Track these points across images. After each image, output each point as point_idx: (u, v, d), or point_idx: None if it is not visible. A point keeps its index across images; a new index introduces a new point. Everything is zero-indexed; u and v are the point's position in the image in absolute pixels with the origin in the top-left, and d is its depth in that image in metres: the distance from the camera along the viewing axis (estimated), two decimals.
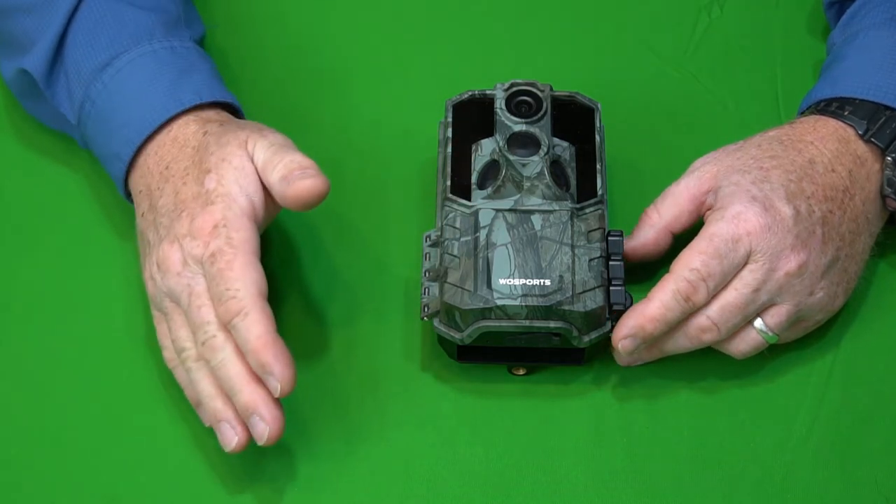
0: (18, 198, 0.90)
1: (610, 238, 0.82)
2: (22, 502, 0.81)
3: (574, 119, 0.86)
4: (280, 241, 0.88)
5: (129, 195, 0.86)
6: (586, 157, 0.84)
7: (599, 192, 0.83)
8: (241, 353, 0.77)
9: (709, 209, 0.82)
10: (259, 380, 0.77)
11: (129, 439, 0.82)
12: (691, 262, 0.79)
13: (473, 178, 0.83)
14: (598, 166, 0.84)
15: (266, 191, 0.81)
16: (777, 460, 0.81)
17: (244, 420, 0.77)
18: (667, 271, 0.81)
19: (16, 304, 0.86)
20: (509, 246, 0.80)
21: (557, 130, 0.85)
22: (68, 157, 0.91)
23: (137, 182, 0.84)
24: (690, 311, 0.80)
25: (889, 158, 0.83)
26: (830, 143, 0.83)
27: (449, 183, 0.83)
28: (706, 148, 0.91)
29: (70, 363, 0.84)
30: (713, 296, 0.80)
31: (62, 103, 0.87)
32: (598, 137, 0.85)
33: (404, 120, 0.93)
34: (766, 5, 0.98)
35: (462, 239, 0.81)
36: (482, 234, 0.81)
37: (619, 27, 0.97)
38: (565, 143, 0.84)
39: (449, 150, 0.85)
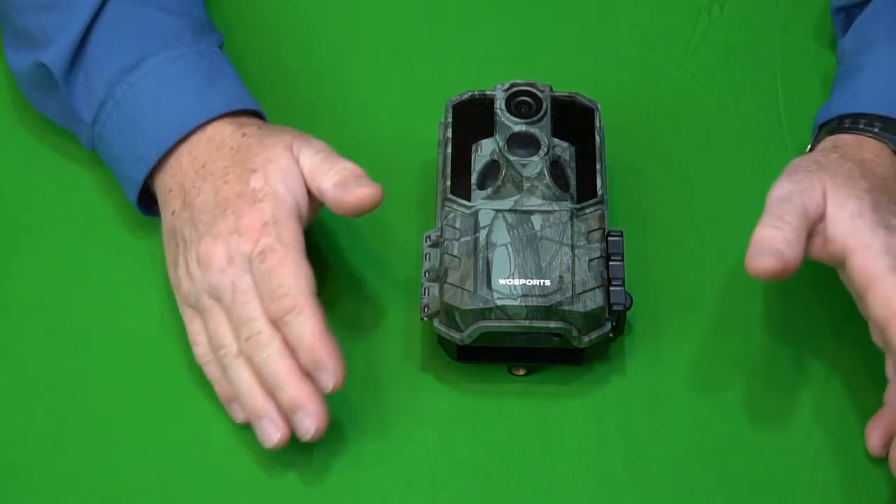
0: (21, 196, 0.90)
1: (610, 238, 0.82)
2: (22, 502, 0.81)
3: (574, 119, 0.86)
4: None
5: (139, 200, 0.86)
6: (586, 157, 0.85)
7: (599, 193, 0.83)
8: (288, 349, 0.78)
9: (814, 240, 0.79)
10: (305, 376, 0.77)
11: (130, 439, 0.82)
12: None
13: (473, 179, 0.83)
14: (598, 166, 0.84)
15: (309, 195, 0.81)
16: (777, 460, 0.81)
17: (288, 416, 0.78)
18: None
19: (17, 302, 0.86)
20: (509, 246, 0.80)
21: (557, 130, 0.85)
22: (74, 156, 0.91)
23: (167, 182, 0.84)
24: None
25: None
26: (885, 159, 0.82)
27: (449, 183, 0.83)
28: (706, 148, 0.91)
29: (71, 362, 0.84)
30: None
31: (78, 100, 0.86)
32: (598, 137, 0.85)
33: (404, 120, 0.93)
34: (766, 5, 0.98)
35: (462, 239, 0.81)
36: (482, 235, 0.81)
37: (619, 27, 0.97)
38: (565, 144, 0.84)
39: (449, 150, 0.85)
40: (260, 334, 0.78)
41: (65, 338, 0.85)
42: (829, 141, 0.84)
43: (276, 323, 0.78)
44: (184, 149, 0.83)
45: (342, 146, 0.91)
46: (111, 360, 0.84)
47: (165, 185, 0.84)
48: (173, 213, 0.83)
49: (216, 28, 0.91)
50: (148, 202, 0.86)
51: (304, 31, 0.97)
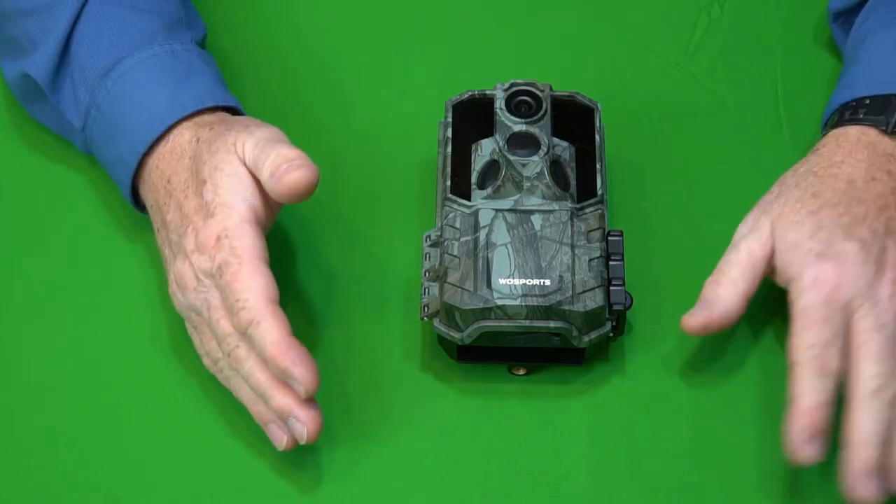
0: (20, 199, 0.90)
1: (610, 238, 0.82)
2: (22, 502, 0.81)
3: (574, 119, 0.86)
4: (280, 242, 0.88)
5: (134, 199, 0.86)
6: (586, 157, 0.84)
7: (599, 192, 0.83)
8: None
9: (773, 272, 0.82)
10: (287, 384, 0.77)
11: (128, 440, 0.82)
12: (804, 342, 0.78)
13: (473, 178, 0.83)
14: (598, 166, 0.84)
15: (264, 191, 0.80)
16: (777, 460, 0.81)
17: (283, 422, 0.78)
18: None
19: (17, 304, 0.86)
20: (509, 246, 0.80)
21: (557, 130, 0.85)
22: (70, 158, 0.91)
23: (147, 196, 0.84)
24: (837, 382, 0.77)
25: None
26: (859, 153, 0.82)
27: (449, 183, 0.83)
28: (706, 148, 0.91)
29: (70, 364, 0.84)
30: (851, 358, 0.78)
31: (67, 108, 0.87)
32: (598, 137, 0.85)
33: (404, 120, 0.93)
34: (766, 5, 0.98)
35: (462, 239, 0.81)
36: (482, 234, 0.81)
37: (619, 27, 0.97)
38: (565, 143, 0.84)
39: (449, 150, 0.85)
40: (238, 349, 0.78)
41: (62, 339, 0.85)
42: (819, 143, 0.85)
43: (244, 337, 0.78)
44: (153, 161, 0.83)
45: (342, 147, 0.92)
46: (108, 361, 0.84)
47: (146, 199, 0.84)
48: (157, 230, 0.84)
49: (198, 23, 0.91)
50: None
51: (304, 30, 0.97)
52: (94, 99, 0.85)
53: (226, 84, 0.87)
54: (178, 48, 0.86)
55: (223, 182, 0.79)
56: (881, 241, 0.80)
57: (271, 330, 0.76)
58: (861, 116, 0.84)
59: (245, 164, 0.80)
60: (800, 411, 0.77)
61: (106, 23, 0.86)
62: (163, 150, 0.83)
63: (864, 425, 0.76)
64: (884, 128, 0.83)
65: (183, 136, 0.83)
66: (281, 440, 0.79)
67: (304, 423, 0.77)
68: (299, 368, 0.76)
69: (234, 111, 0.86)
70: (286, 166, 0.78)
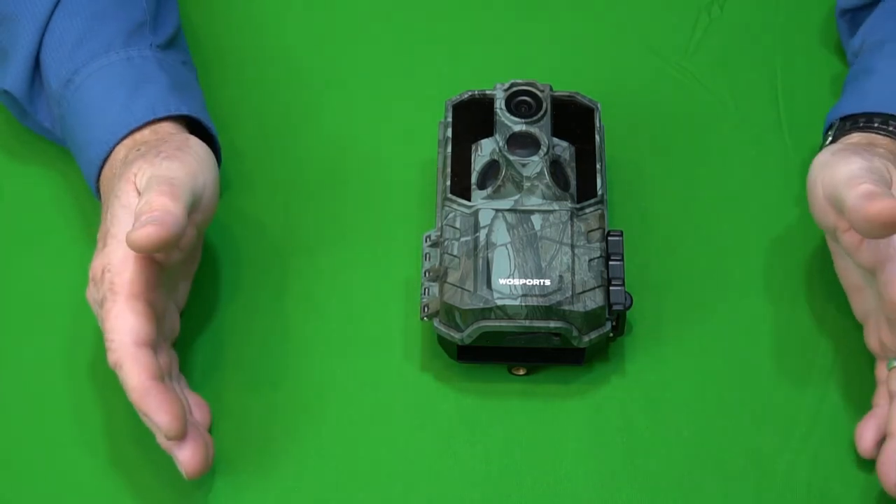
0: (16, 199, 0.90)
1: (610, 238, 0.82)
2: (22, 502, 0.81)
3: (574, 119, 0.86)
4: (279, 241, 0.88)
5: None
6: (586, 157, 0.85)
7: (599, 192, 0.83)
8: None
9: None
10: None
11: (130, 436, 0.82)
12: None
13: (473, 178, 0.83)
14: (598, 166, 0.84)
15: None
16: (777, 460, 0.81)
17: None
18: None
19: (13, 303, 0.86)
20: (509, 246, 0.80)
21: (557, 130, 0.85)
22: (68, 157, 0.91)
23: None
24: None
25: None
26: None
27: (449, 183, 0.83)
28: (706, 148, 0.91)
29: (69, 362, 0.84)
30: None
31: (46, 120, 0.87)
32: (598, 137, 0.85)
33: (404, 120, 0.93)
34: (766, 5, 0.98)
35: (462, 239, 0.81)
36: (482, 234, 0.81)
37: (619, 27, 0.97)
38: (565, 143, 0.84)
39: (449, 150, 0.85)
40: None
41: (61, 338, 0.85)
42: (856, 137, 0.83)
43: None
44: (104, 173, 0.83)
45: (342, 147, 0.92)
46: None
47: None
48: None
49: (169, 19, 0.89)
50: None
51: (304, 29, 0.97)
52: (60, 111, 0.85)
53: (187, 89, 0.86)
54: (135, 55, 0.85)
55: (118, 212, 0.79)
56: None
57: (130, 375, 0.75)
58: (890, 129, 0.82)
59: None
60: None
61: (67, 33, 0.85)
62: (106, 168, 0.83)
63: None
64: None
65: (118, 154, 0.82)
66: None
67: (180, 462, 0.76)
68: (158, 415, 0.75)
69: (190, 119, 0.85)
70: (144, 217, 0.75)
